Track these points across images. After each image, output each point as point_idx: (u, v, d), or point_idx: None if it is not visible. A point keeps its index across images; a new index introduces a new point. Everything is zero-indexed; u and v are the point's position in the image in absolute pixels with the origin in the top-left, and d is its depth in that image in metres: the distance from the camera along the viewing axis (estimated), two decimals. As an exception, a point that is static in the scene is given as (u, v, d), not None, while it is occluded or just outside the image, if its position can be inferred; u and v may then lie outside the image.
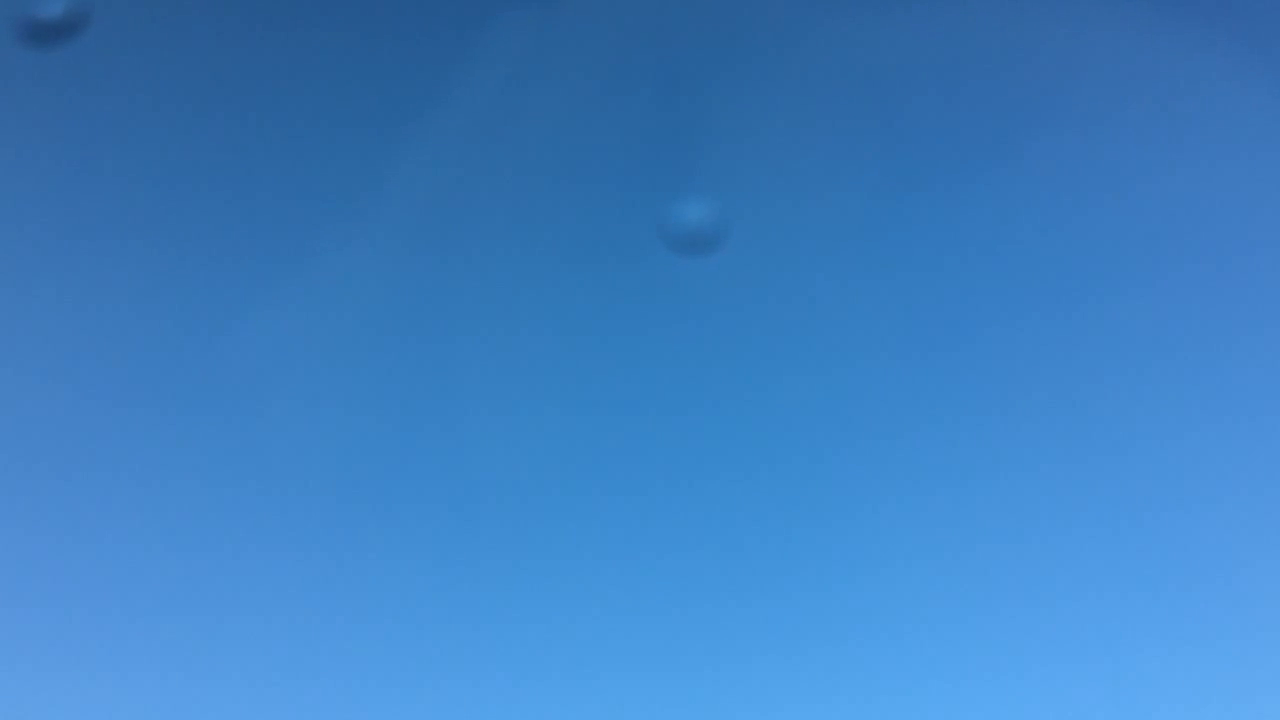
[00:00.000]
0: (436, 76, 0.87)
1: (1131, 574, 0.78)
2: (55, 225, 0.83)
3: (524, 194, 0.87)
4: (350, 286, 0.85)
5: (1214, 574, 0.78)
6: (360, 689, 0.77)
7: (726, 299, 0.86)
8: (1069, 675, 0.76)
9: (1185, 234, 0.84)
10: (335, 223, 0.85)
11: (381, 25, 0.88)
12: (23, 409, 0.81)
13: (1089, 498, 0.80)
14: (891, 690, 0.77)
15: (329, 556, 0.80)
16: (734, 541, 0.81)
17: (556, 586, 0.80)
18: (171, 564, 0.79)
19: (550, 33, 0.89)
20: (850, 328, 0.85)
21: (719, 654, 0.78)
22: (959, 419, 0.82)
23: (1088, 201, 0.85)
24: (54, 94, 0.84)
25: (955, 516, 0.80)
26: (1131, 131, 0.85)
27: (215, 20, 0.86)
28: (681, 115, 0.88)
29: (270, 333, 0.83)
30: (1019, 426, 0.82)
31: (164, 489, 0.80)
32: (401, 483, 0.82)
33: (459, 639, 0.78)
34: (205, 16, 0.87)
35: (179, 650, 0.77)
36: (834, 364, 0.84)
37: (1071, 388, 0.82)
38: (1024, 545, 0.80)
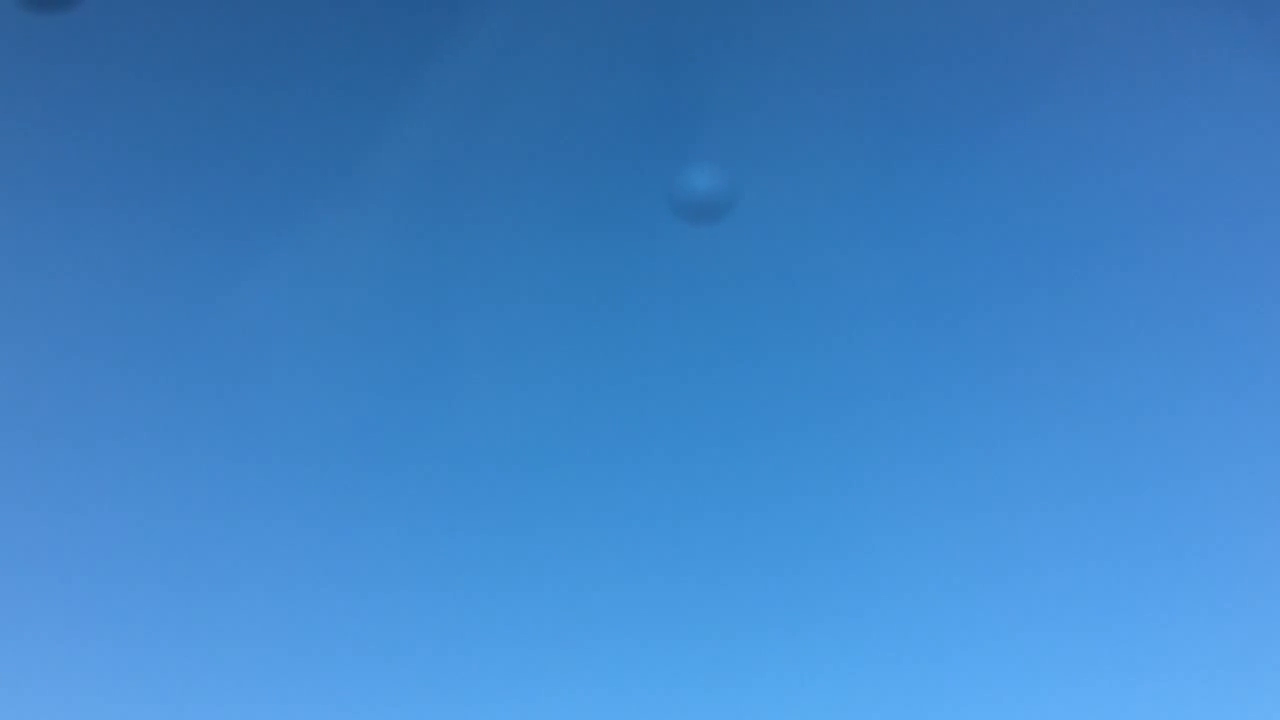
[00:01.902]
0: (436, 46, 0.86)
1: (1129, 546, 0.78)
2: (53, 194, 0.83)
3: (523, 162, 0.87)
4: (350, 256, 0.85)
5: (1211, 541, 0.78)
6: (359, 654, 0.77)
7: (730, 267, 0.85)
8: (1067, 644, 0.77)
9: (1183, 204, 0.84)
10: (334, 192, 0.85)
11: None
12: (21, 377, 0.80)
13: (1089, 470, 0.80)
14: (883, 655, 0.77)
15: (328, 524, 0.80)
16: (738, 508, 0.81)
17: (558, 554, 0.80)
18: (170, 530, 0.79)
19: (550, 1, 0.89)
20: (853, 294, 0.84)
21: (718, 620, 0.78)
22: (960, 387, 0.82)
23: (1087, 171, 0.85)
24: (53, 62, 0.83)
25: (957, 484, 0.81)
26: (1132, 101, 0.85)
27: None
28: (682, 85, 0.88)
29: (269, 303, 0.83)
30: (1020, 392, 0.82)
31: (162, 457, 0.80)
32: (402, 452, 0.82)
33: (459, 606, 0.79)
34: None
35: (177, 615, 0.77)
36: (837, 331, 0.84)
37: (1072, 357, 0.82)
38: (1026, 513, 0.80)
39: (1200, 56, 0.85)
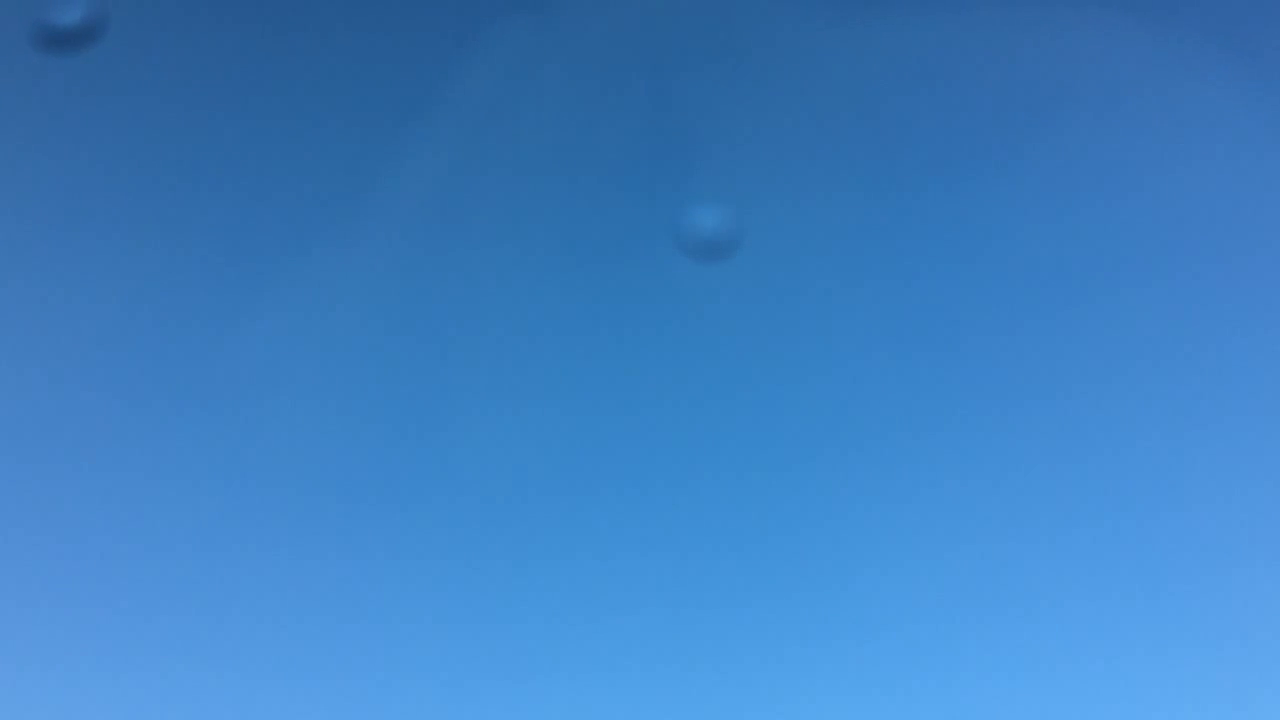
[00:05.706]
0: (438, 79, 0.88)
1: (1127, 571, 0.78)
2: (64, 225, 0.84)
3: (524, 196, 0.88)
4: (354, 286, 0.85)
5: (1209, 571, 0.77)
6: (359, 687, 0.76)
7: (729, 301, 0.86)
8: (1065, 672, 0.76)
9: (1178, 234, 0.85)
10: (339, 223, 0.86)
11: (383, 29, 0.89)
12: (27, 405, 0.81)
13: (1093, 498, 0.80)
14: (890, 687, 0.76)
15: (329, 554, 0.79)
16: (740, 543, 0.81)
17: (558, 588, 0.79)
18: (172, 561, 0.79)
19: (548, 38, 0.90)
20: (855, 329, 0.85)
21: (722, 654, 0.78)
22: (965, 419, 0.82)
23: (1085, 201, 0.86)
24: (67, 98, 0.85)
25: (962, 516, 0.80)
26: (1125, 133, 0.86)
27: (222, 25, 0.88)
28: (679, 120, 0.89)
29: (274, 331, 0.84)
30: (1023, 425, 0.82)
31: (166, 486, 0.80)
32: (404, 482, 0.81)
33: (460, 638, 0.78)
34: (213, 23, 0.88)
35: (177, 647, 0.76)
36: (839, 365, 0.84)
37: (1074, 386, 0.82)
38: (1029, 544, 0.79)
39: (1190, 92, 0.86)
